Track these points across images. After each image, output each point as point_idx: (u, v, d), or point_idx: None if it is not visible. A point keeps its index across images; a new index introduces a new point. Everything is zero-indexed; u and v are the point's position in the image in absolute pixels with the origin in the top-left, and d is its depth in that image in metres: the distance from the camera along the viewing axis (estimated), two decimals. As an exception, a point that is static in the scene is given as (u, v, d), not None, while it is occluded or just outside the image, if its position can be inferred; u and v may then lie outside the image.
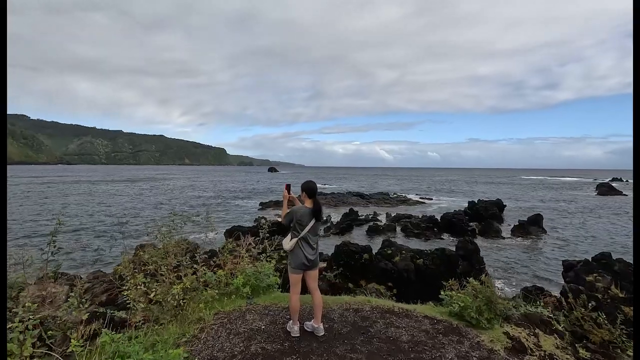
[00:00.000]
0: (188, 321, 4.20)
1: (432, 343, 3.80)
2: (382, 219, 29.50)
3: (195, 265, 4.94)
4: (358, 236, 23.47)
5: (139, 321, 4.13)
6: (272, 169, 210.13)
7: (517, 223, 25.22)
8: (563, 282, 11.56)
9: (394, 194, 52.85)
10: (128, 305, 4.33)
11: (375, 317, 4.46)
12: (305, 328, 4.02)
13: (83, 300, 4.16)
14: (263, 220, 7.25)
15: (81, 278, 6.55)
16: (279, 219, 4.21)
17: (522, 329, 4.03)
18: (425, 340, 3.86)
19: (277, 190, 63.05)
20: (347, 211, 28.39)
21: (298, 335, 3.86)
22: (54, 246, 4.16)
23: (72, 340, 3.50)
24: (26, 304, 3.57)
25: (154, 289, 4.31)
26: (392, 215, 30.45)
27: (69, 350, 3.39)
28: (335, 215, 29.73)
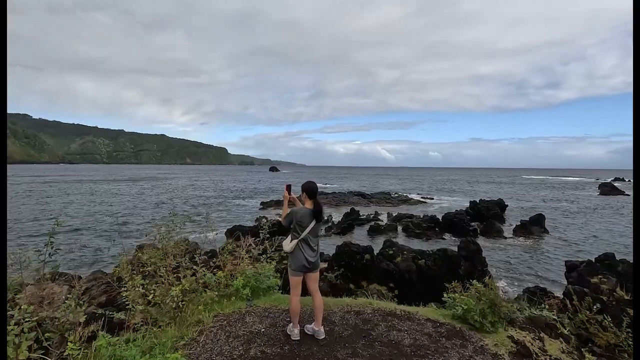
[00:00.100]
0: (187, 324, 4.14)
1: (435, 347, 3.73)
2: (384, 219, 29.41)
3: (194, 267, 4.89)
4: (359, 236, 23.40)
5: (138, 323, 4.08)
6: (273, 169, 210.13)
7: (519, 223, 25.07)
8: (566, 283, 11.46)
9: (396, 193, 52.74)
10: (127, 307, 4.27)
11: (376, 319, 4.39)
12: (306, 331, 3.96)
13: (81, 302, 4.11)
14: (264, 220, 7.20)
15: (80, 278, 6.50)
16: (280, 219, 4.14)
17: (527, 332, 3.95)
18: (427, 344, 3.79)
19: (278, 189, 63.03)
20: (349, 211, 28.30)
21: (298, 338, 3.80)
22: (52, 247, 4.10)
23: (68, 343, 3.45)
24: (22, 306, 3.52)
25: (152, 291, 4.26)
26: (394, 215, 30.35)
27: (66, 353, 3.33)
28: (336, 215, 29.67)
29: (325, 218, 28.19)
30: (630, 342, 4.41)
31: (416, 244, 19.73)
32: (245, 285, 5.02)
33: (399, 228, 25.19)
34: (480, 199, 31.60)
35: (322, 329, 3.88)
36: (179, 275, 4.66)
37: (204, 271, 5.00)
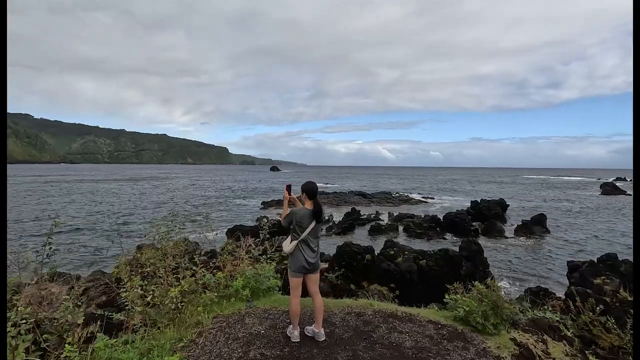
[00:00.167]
0: (186, 325, 4.10)
1: (437, 349, 3.68)
2: (385, 219, 29.36)
3: (194, 267, 4.85)
4: (360, 236, 23.35)
5: (137, 324, 4.04)
6: (274, 168, 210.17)
7: (521, 223, 25.00)
8: (567, 283, 11.40)
9: (397, 193, 52.67)
10: (127, 307, 4.24)
11: (377, 321, 4.34)
12: (306, 333, 3.91)
13: (79, 303, 4.07)
14: (264, 220, 7.15)
15: (78, 278, 6.48)
16: (280, 219, 4.09)
17: (530, 335, 3.90)
18: (429, 346, 3.75)
19: (279, 189, 63.02)
20: (350, 210, 28.26)
21: (298, 340, 3.75)
22: (50, 247, 4.06)
23: (66, 345, 3.42)
24: (19, 308, 3.48)
25: (151, 292, 4.22)
26: (395, 214, 30.29)
27: (63, 355, 3.29)
28: (337, 215, 29.63)
29: (326, 218, 28.14)
30: (635, 344, 4.36)
31: (417, 244, 19.68)
32: (245, 286, 4.98)
33: (400, 228, 25.14)
34: (482, 199, 31.53)
35: (322, 331, 3.84)
36: (179, 276, 4.62)
37: (203, 272, 4.96)
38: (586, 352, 3.94)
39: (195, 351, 3.59)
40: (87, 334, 3.93)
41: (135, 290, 4.11)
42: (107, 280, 4.93)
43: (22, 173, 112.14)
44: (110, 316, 4.51)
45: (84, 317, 4.01)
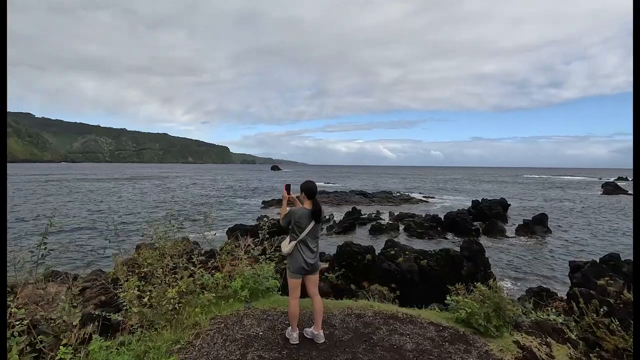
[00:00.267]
0: (183, 326, 4.03)
1: (438, 352, 3.61)
2: (385, 218, 29.28)
3: (192, 267, 4.78)
4: (361, 235, 23.29)
5: (135, 325, 3.98)
6: (275, 167, 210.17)
7: (522, 222, 24.91)
8: (569, 283, 11.33)
9: (397, 192, 52.59)
10: (125, 307, 4.18)
11: (378, 323, 4.27)
12: (305, 335, 3.84)
13: (74, 304, 4.01)
14: (265, 219, 7.08)
15: (76, 278, 6.42)
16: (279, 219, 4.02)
17: (533, 337, 3.83)
18: (430, 348, 3.68)
19: (279, 188, 62.98)
20: (350, 210, 28.20)
21: (297, 342, 3.69)
22: (45, 247, 4.00)
23: (60, 347, 3.36)
24: (12, 309, 3.43)
25: (147, 293, 4.15)
26: (395, 214, 30.22)
27: (57, 358, 3.23)
28: (338, 214, 29.56)
29: (327, 217, 28.05)
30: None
31: (418, 244, 19.60)
32: (243, 287, 4.91)
33: (401, 227, 25.06)
34: (483, 198, 31.43)
35: (321, 333, 3.77)
36: (176, 276, 4.56)
37: (201, 272, 4.90)
38: (591, 355, 3.86)
39: (192, 353, 3.53)
40: (84, 335, 3.88)
41: (131, 291, 4.05)
42: (103, 280, 4.86)
43: (23, 172, 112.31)
44: (108, 317, 4.45)
45: (80, 318, 3.96)
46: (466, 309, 4.21)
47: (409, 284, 10.41)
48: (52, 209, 30.26)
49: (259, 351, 3.54)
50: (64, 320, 3.84)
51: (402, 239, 21.29)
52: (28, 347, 3.65)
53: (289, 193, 3.93)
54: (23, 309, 3.69)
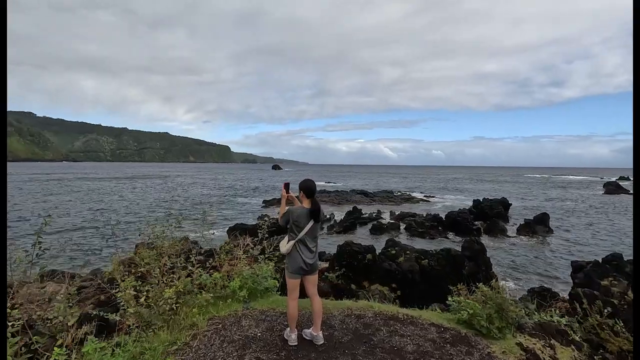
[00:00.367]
0: (180, 327, 3.97)
1: (439, 354, 3.54)
2: (386, 218, 29.21)
3: (190, 267, 4.72)
4: (361, 235, 23.22)
5: (132, 325, 3.92)
6: (276, 167, 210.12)
7: (523, 222, 24.81)
8: (571, 283, 11.25)
9: (398, 192, 52.51)
10: (123, 307, 4.12)
11: (378, 324, 4.20)
12: (304, 336, 3.78)
13: (70, 303, 3.95)
14: (266, 218, 7.02)
15: (73, 277, 6.36)
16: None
17: (537, 339, 3.75)
18: (431, 350, 3.60)
19: (280, 187, 62.83)
20: (351, 209, 28.13)
21: (295, 344, 3.62)
22: (40, 247, 3.94)
23: (55, 348, 3.30)
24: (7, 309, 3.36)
25: (144, 293, 4.09)
26: (396, 213, 30.14)
27: (52, 359, 3.17)
28: (338, 214, 29.49)
29: (327, 217, 27.97)
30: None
31: (419, 243, 19.53)
32: (242, 287, 4.85)
33: (402, 227, 24.99)
34: (484, 198, 31.32)
35: (320, 334, 3.70)
36: (174, 276, 4.50)
37: (200, 272, 4.84)
38: (595, 357, 3.79)
39: (189, 355, 3.46)
40: (81, 335, 3.82)
41: (128, 291, 3.99)
42: (99, 280, 4.81)
43: (24, 171, 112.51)
44: (106, 317, 4.40)
45: (76, 318, 3.90)
46: (468, 310, 4.14)
47: (409, 284, 10.34)
48: (48, 209, 30.27)
49: (256, 353, 3.48)
50: (60, 321, 3.79)
51: (403, 238, 21.22)
52: (23, 348, 3.60)
53: (288, 192, 3.87)
54: (17, 309, 3.64)
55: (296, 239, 3.54)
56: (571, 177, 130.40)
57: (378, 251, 11.66)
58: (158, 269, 4.51)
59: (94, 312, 4.69)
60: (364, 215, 28.42)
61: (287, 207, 3.74)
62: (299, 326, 3.93)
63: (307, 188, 3.63)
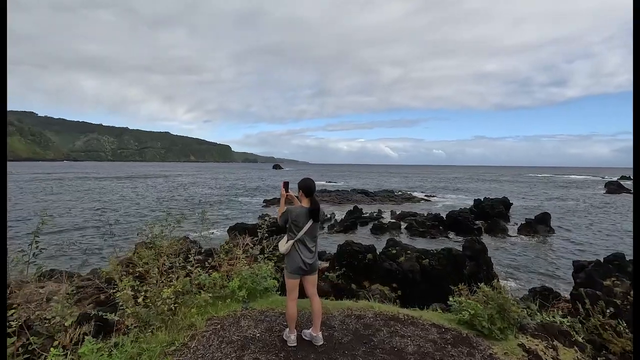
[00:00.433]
0: (178, 327, 3.93)
1: (440, 355, 3.49)
2: (387, 217, 29.16)
3: (189, 267, 4.68)
4: (362, 234, 23.18)
5: (131, 325, 3.89)
6: (276, 166, 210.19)
7: (524, 221, 24.74)
8: (573, 283, 11.19)
9: (399, 191, 52.44)
10: (121, 307, 4.09)
11: (378, 324, 4.16)
12: (303, 337, 3.74)
13: (67, 304, 3.92)
14: (266, 218, 6.98)
15: (72, 277, 6.34)
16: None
17: (539, 340, 3.70)
18: (432, 351, 3.56)
19: (280, 187, 63.00)
20: (352, 209, 28.08)
21: (295, 344, 3.58)
22: (37, 247, 3.91)
23: (51, 349, 3.27)
24: (2, 310, 3.33)
25: (142, 293, 4.06)
26: (397, 213, 30.09)
27: (48, 360, 3.14)
28: (339, 213, 29.45)
29: (328, 216, 27.93)
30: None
31: (420, 243, 19.48)
32: (241, 287, 4.81)
33: (403, 226, 24.94)
34: (485, 197, 31.24)
35: (320, 335, 3.66)
36: (172, 276, 4.46)
37: (199, 272, 4.80)
38: (598, 358, 3.74)
39: (187, 355, 3.43)
40: (79, 335, 3.79)
41: (125, 291, 3.95)
42: (96, 280, 4.77)
43: (26, 170, 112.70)
44: (105, 317, 4.37)
45: (74, 318, 3.87)
46: (469, 310, 4.09)
47: (410, 284, 10.30)
48: (48, 209, 30.25)
49: (255, 354, 3.44)
50: (58, 321, 3.76)
51: (403, 238, 21.17)
52: (20, 349, 3.56)
53: (287, 191, 3.82)
54: (15, 309, 3.61)
55: (295, 239, 3.50)
56: (572, 176, 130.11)
57: (379, 251, 11.62)
58: (157, 269, 4.48)
59: (93, 312, 4.67)
60: (365, 215, 28.38)
61: (286, 207, 3.70)
62: (299, 327, 3.89)
63: (306, 187, 3.59)
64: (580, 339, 3.97)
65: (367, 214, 29.08)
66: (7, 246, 3.47)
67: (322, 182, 72.26)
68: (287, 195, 3.83)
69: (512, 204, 31.91)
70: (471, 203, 31.16)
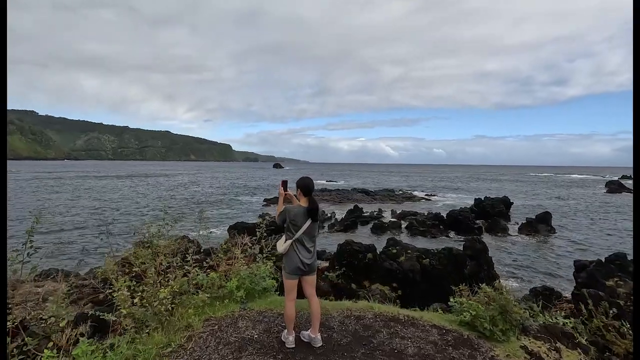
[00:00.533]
0: (175, 328, 3.87)
1: (441, 357, 3.43)
2: (387, 216, 29.09)
3: (187, 267, 4.62)
4: (362, 233, 23.11)
5: (127, 326, 3.83)
6: (277, 165, 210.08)
7: (525, 221, 24.65)
8: (574, 282, 11.12)
9: (399, 190, 52.36)
10: (119, 307, 4.04)
11: (378, 325, 4.10)
12: (302, 338, 3.68)
13: (62, 304, 3.86)
14: (267, 217, 6.92)
15: (68, 276, 6.29)
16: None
17: (542, 342, 3.64)
18: (433, 353, 3.50)
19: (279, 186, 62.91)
20: (352, 208, 28.02)
21: (293, 346, 3.52)
22: (31, 246, 3.84)
23: (45, 350, 3.21)
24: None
25: (139, 293, 4.00)
26: (398, 212, 30.02)
27: (42, 361, 3.09)
28: (339, 212, 29.39)
29: (328, 215, 27.86)
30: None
31: (420, 242, 19.42)
32: (239, 287, 4.75)
33: (403, 226, 24.88)
34: (485, 197, 31.13)
35: (318, 336, 3.60)
36: (170, 276, 4.40)
37: (196, 272, 4.74)
38: (601, 360, 3.67)
39: (183, 357, 3.37)
40: (76, 336, 3.73)
41: (121, 291, 3.89)
42: (92, 280, 4.72)
43: (26, 169, 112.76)
44: (102, 317, 4.31)
45: (70, 319, 3.82)
46: (470, 311, 4.03)
47: (410, 284, 10.24)
48: (42, 208, 30.23)
49: (253, 355, 3.38)
50: (54, 321, 3.71)
51: (404, 237, 21.11)
52: (15, 350, 3.51)
53: (285, 190, 3.76)
54: (10, 309, 3.56)
55: (293, 239, 3.44)
56: (573, 175, 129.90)
57: (379, 250, 11.56)
58: (154, 269, 4.42)
59: (90, 312, 4.61)
60: (365, 214, 28.31)
61: (284, 206, 3.63)
62: (297, 328, 3.83)
63: (305, 186, 3.53)
64: (583, 341, 3.90)
65: (368, 213, 29.02)
66: (7, 246, 3.41)
67: (323, 181, 72.18)
68: (285, 194, 3.77)
69: (512, 203, 31.84)
70: (472, 202, 31.06)
